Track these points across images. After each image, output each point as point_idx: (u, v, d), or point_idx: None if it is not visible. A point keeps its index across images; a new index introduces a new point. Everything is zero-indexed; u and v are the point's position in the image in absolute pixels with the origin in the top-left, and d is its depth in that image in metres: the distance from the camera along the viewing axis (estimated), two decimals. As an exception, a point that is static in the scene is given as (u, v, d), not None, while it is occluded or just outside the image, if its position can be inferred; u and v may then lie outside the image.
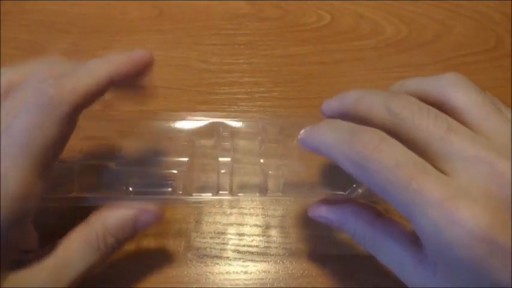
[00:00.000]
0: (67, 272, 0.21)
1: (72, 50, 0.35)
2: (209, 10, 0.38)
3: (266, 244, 0.28)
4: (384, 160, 0.18)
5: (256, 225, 0.28)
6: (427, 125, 0.18)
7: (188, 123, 0.26)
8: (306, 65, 0.35)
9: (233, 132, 0.26)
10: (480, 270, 0.16)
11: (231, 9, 0.38)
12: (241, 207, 0.29)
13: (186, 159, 0.26)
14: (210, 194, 0.25)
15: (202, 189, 0.26)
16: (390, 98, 0.20)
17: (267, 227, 0.28)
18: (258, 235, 0.28)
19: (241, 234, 0.28)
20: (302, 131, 0.22)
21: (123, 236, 0.23)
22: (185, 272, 0.27)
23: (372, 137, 0.18)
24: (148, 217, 0.23)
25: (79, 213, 0.23)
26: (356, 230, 0.22)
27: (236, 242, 0.28)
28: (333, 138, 0.20)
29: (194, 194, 0.25)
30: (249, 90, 0.34)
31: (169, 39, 0.36)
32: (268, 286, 0.26)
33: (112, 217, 0.22)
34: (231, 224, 0.28)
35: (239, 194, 0.25)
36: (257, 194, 0.25)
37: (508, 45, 0.37)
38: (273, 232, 0.28)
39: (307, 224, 0.28)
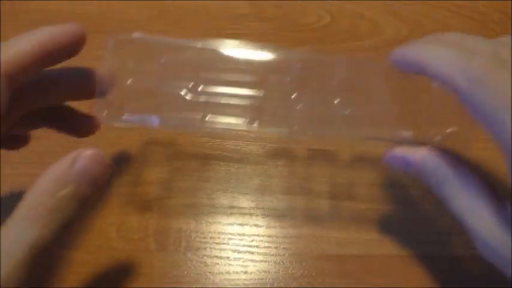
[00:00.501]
0: (7, 258, 0.18)
1: (72, 50, 0.35)
2: (209, 10, 0.38)
3: (266, 244, 0.28)
4: (502, 78, 0.18)
5: (256, 225, 0.28)
6: None
7: (259, 55, 0.25)
8: (306, 65, 0.35)
9: (305, 67, 0.24)
10: None
11: (231, 9, 0.38)
12: (241, 207, 0.29)
13: (260, 92, 0.24)
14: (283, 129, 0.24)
15: (275, 123, 0.25)
16: (498, 44, 0.20)
17: (267, 226, 0.28)
18: (258, 235, 0.28)
19: (241, 234, 0.28)
20: (398, 50, 0.21)
21: (64, 193, 0.19)
22: (185, 272, 0.27)
23: (491, 59, 0.18)
24: (85, 161, 0.19)
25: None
26: (437, 172, 0.21)
27: (236, 242, 0.28)
28: (449, 52, 0.19)
29: (269, 128, 0.24)
30: (249, 90, 0.34)
31: (169, 39, 0.36)
32: (268, 286, 0.26)
33: (43, 177, 0.19)
34: (231, 224, 0.28)
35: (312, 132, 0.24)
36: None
37: (508, 45, 0.36)
38: (273, 231, 0.28)
39: (307, 224, 0.28)
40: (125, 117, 0.23)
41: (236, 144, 0.31)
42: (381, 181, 0.30)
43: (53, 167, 0.19)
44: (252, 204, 0.29)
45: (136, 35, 0.23)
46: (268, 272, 0.27)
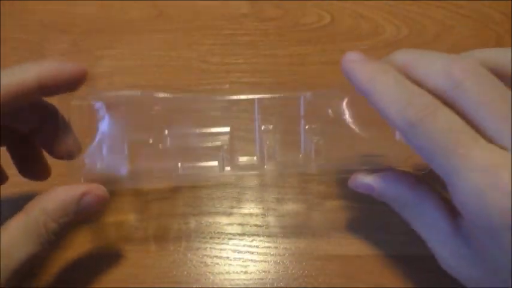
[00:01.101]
0: (6, 264, 0.20)
1: (72, 50, 0.35)
2: (209, 10, 0.38)
3: (266, 244, 0.28)
4: (438, 124, 0.18)
5: (256, 225, 0.28)
6: (490, 101, 0.18)
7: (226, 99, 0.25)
8: (306, 65, 0.35)
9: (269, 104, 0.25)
10: None
11: (231, 9, 0.38)
12: (241, 207, 0.29)
13: (227, 129, 0.25)
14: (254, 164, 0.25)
15: (246, 160, 0.26)
16: (453, 61, 0.19)
17: (267, 226, 0.28)
18: (258, 235, 0.28)
19: (241, 234, 0.28)
20: (348, 61, 0.21)
21: (65, 220, 0.21)
22: (185, 272, 0.27)
23: (431, 102, 0.18)
24: (92, 198, 0.22)
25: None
26: (397, 196, 0.22)
27: (236, 242, 0.28)
28: (392, 93, 0.19)
29: (240, 162, 0.25)
30: (249, 90, 0.34)
31: (169, 39, 0.36)
32: (268, 286, 0.26)
33: (52, 201, 0.21)
34: (231, 224, 0.28)
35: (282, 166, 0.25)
36: (300, 164, 0.25)
37: (508, 45, 0.37)
38: (273, 232, 0.28)
39: (308, 224, 0.28)
40: (98, 169, 0.24)
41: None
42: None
43: (62, 195, 0.21)
44: (252, 204, 0.29)
45: (94, 100, 0.24)
46: (268, 272, 0.27)
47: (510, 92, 0.18)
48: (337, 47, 0.36)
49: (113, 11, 0.38)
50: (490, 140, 0.18)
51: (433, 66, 0.19)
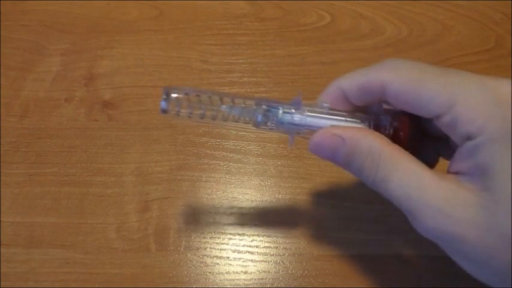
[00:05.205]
0: None
1: (72, 50, 0.35)
2: (209, 10, 0.38)
3: (266, 244, 0.28)
4: (418, 62, 0.19)
5: (256, 225, 0.28)
6: None
7: None
8: (306, 65, 0.35)
9: None
10: None
11: (231, 9, 0.38)
12: (241, 207, 0.29)
13: None
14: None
15: None
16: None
17: (267, 226, 0.28)
18: (258, 235, 0.28)
19: (241, 234, 0.28)
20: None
21: None
22: (185, 272, 0.27)
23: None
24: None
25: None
26: (372, 147, 0.19)
27: (236, 242, 0.28)
28: (365, 68, 0.20)
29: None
30: (249, 90, 0.34)
31: (169, 39, 0.36)
32: (268, 286, 0.26)
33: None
34: (231, 224, 0.28)
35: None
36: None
37: (508, 45, 0.37)
38: (273, 231, 0.28)
39: (308, 224, 0.28)
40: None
41: (236, 144, 0.31)
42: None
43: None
44: (252, 204, 0.29)
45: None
46: (268, 272, 0.27)
47: None
48: (337, 47, 0.36)
49: (113, 11, 0.38)
50: None
51: None
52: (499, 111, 0.16)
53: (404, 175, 0.18)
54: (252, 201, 0.29)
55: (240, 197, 0.29)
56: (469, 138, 0.17)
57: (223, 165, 0.30)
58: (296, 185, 0.30)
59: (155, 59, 0.35)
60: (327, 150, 0.20)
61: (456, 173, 0.18)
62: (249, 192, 0.29)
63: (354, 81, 0.20)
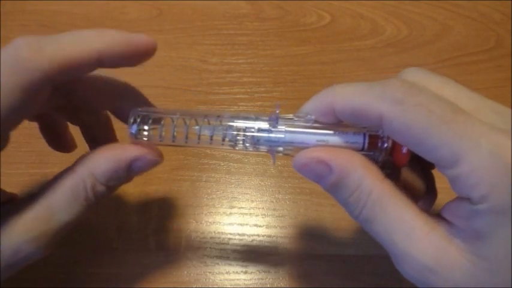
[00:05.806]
0: (50, 225, 0.18)
1: (72, 50, 0.35)
2: (209, 10, 0.38)
3: (266, 244, 0.28)
4: (425, 93, 0.16)
5: (256, 225, 0.28)
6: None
7: None
8: (306, 65, 0.35)
9: None
10: None
11: (231, 9, 0.38)
12: (241, 207, 0.29)
13: None
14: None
15: None
16: (386, 85, 0.17)
17: (267, 226, 0.28)
18: (258, 235, 0.28)
19: (241, 234, 0.28)
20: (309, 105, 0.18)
21: (114, 183, 0.19)
22: (185, 272, 0.27)
23: (404, 81, 0.16)
24: (144, 164, 0.20)
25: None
26: (362, 185, 0.17)
27: (236, 242, 0.28)
28: (364, 88, 0.17)
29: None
30: (249, 90, 0.34)
31: (169, 39, 0.36)
32: (268, 286, 0.26)
33: (101, 163, 0.19)
34: (231, 224, 0.28)
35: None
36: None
37: (508, 45, 0.37)
38: (273, 231, 0.28)
39: (307, 224, 0.28)
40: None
41: (236, 144, 0.31)
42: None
43: (114, 156, 0.19)
44: (252, 204, 0.29)
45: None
46: (268, 272, 0.27)
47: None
48: (337, 47, 0.36)
49: (112, 11, 0.38)
50: None
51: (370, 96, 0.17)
52: (507, 181, 0.15)
53: (392, 221, 0.17)
54: (252, 201, 0.29)
55: (240, 197, 0.29)
56: (469, 200, 0.16)
57: (223, 165, 0.30)
58: (296, 185, 0.30)
59: (155, 59, 0.35)
60: (311, 175, 0.18)
61: (450, 220, 0.17)
62: (249, 192, 0.29)
63: (348, 103, 0.17)
